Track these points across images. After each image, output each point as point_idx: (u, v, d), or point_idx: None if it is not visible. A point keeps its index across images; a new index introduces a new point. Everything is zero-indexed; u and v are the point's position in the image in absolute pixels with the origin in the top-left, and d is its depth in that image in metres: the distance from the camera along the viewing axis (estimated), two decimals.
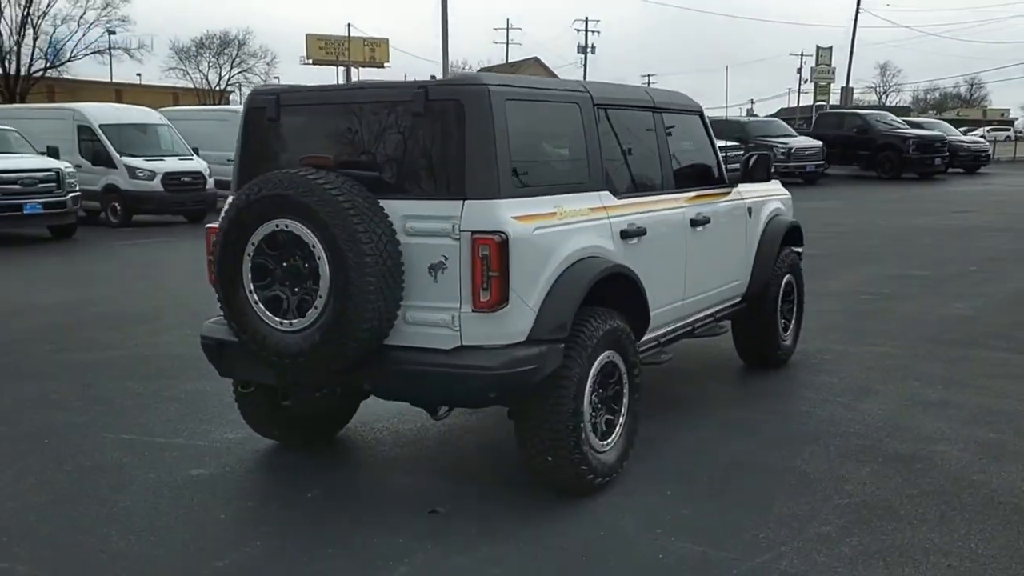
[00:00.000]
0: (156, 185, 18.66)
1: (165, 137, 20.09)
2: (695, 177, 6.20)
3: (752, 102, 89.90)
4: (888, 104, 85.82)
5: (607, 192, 5.02)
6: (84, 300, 10.65)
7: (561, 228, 4.56)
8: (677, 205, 5.65)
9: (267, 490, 5.03)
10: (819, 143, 28.25)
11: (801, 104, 69.73)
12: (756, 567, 3.94)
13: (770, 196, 7.10)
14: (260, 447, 5.46)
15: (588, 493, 4.66)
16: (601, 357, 4.68)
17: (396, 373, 4.38)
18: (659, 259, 5.36)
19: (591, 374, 4.60)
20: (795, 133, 30.30)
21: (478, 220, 4.20)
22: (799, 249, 7.48)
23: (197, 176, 19.14)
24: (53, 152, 17.10)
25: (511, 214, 4.26)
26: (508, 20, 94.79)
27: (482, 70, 74.91)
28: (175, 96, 59.48)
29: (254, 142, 4.91)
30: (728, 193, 6.37)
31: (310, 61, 67.43)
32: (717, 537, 4.22)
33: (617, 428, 4.87)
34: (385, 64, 68.42)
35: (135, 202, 18.76)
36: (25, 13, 47.76)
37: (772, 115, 56.89)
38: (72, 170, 16.56)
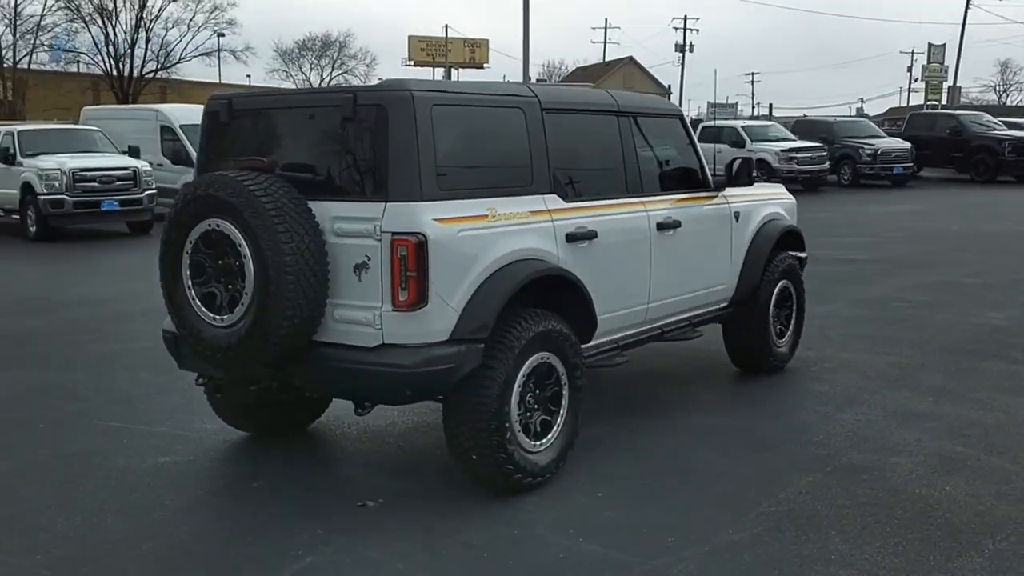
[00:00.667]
0: None
1: None
2: (671, 180, 6.20)
3: (862, 101, 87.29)
4: (1008, 104, 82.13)
5: (554, 195, 5.08)
6: (144, 291, 11.11)
7: (493, 230, 4.64)
8: (640, 209, 5.65)
9: (218, 479, 5.26)
10: (907, 145, 27.29)
11: (912, 103, 67.43)
12: (650, 570, 3.96)
13: (764, 200, 7.01)
14: (231, 438, 5.69)
15: (518, 492, 4.73)
16: (534, 358, 4.74)
17: (322, 369, 4.55)
18: (613, 262, 5.39)
19: (520, 374, 4.67)
20: (882, 134, 29.42)
21: (397, 222, 4.32)
22: (802, 254, 7.37)
23: None
24: (134, 151, 17.88)
25: (432, 216, 4.36)
26: (606, 20, 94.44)
27: (576, 70, 75.01)
28: None
29: (210, 144, 5.13)
30: (709, 197, 6.33)
31: (412, 63, 68.49)
32: (626, 540, 4.25)
33: (554, 429, 4.92)
34: (485, 65, 68.90)
35: None
36: (138, 16, 49.92)
37: (880, 115, 55.31)
38: (148, 168, 17.28)
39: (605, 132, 5.64)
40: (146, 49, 50.56)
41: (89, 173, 16.34)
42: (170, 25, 52.51)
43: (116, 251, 15.72)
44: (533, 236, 4.86)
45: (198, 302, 4.58)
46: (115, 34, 49.38)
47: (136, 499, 4.84)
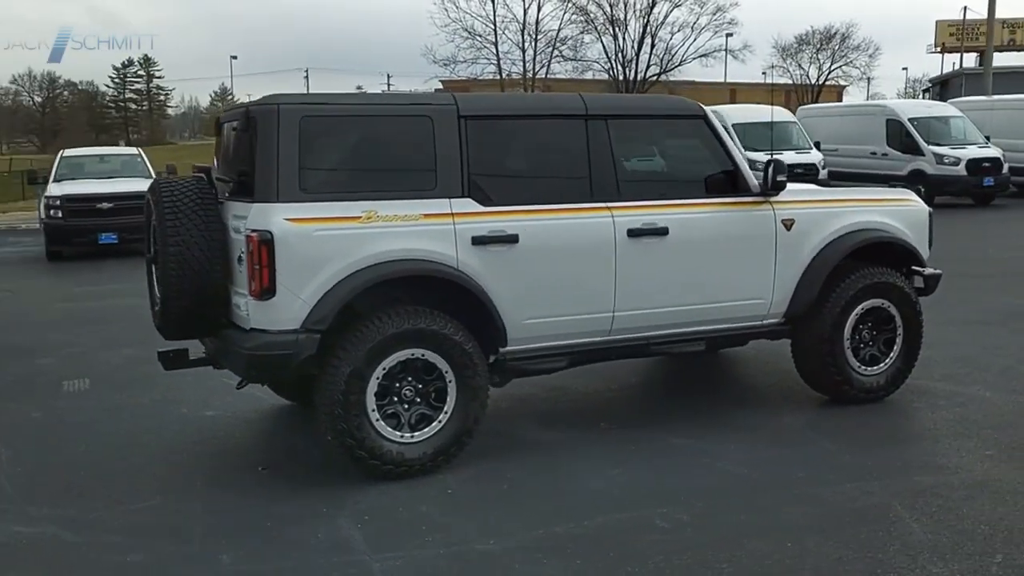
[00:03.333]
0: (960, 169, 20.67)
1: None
2: (678, 185, 5.86)
3: None
4: None
5: (468, 199, 5.20)
6: None
7: (365, 231, 4.96)
8: (602, 215, 5.47)
9: (158, 453, 5.73)
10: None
11: None
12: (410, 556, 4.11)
13: (848, 208, 6.19)
14: (210, 420, 6.28)
15: (387, 478, 5.00)
16: (401, 353, 4.99)
17: (219, 346, 5.27)
18: (546, 267, 5.32)
19: (381, 367, 4.95)
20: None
21: (254, 220, 4.88)
22: (924, 271, 6.36)
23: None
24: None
25: (283, 216, 4.84)
26: None
27: None
28: (786, 94, 60.69)
29: (215, 152, 6.07)
30: (733, 203, 5.82)
31: (938, 49, 63.73)
32: (405, 536, 4.39)
33: (433, 424, 5.09)
34: None
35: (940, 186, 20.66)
36: (645, 24, 52.89)
37: None
38: None
39: (563, 138, 5.54)
40: (650, 54, 53.36)
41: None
42: (675, 29, 54.59)
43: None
44: (422, 238, 5.07)
45: (153, 285, 5.56)
46: (623, 42, 52.85)
47: (87, 466, 5.45)
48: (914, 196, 6.63)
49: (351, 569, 4.05)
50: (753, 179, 5.91)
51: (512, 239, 5.23)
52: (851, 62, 59.89)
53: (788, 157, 21.23)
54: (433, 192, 5.16)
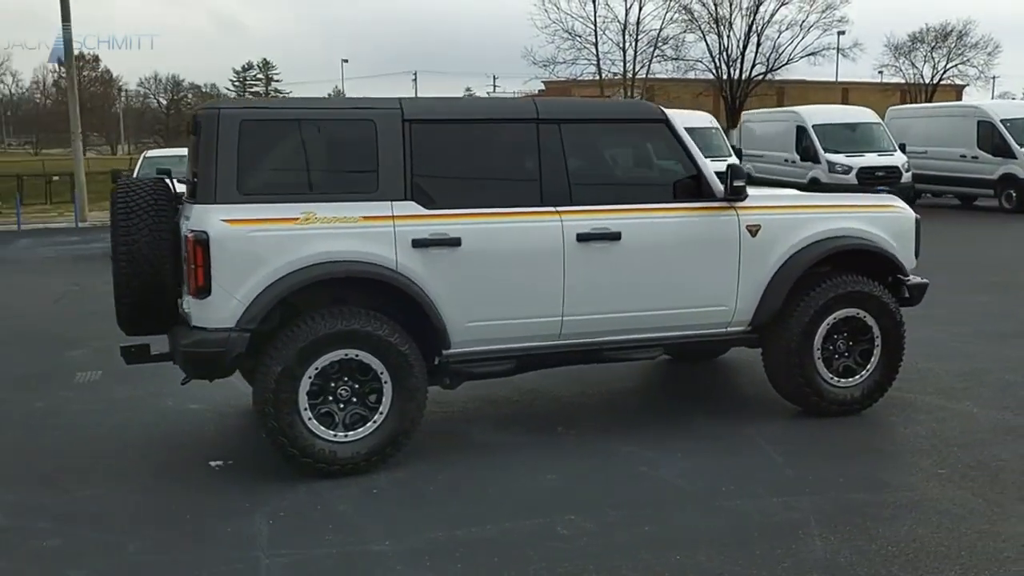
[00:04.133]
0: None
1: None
2: (634, 189, 5.81)
3: None
4: None
5: (411, 202, 5.26)
6: None
7: (301, 232, 5.07)
8: (550, 219, 5.45)
9: (129, 445, 5.96)
10: None
11: None
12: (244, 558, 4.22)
13: (823, 214, 6.01)
14: (190, 414, 6.48)
15: (320, 476, 5.10)
16: (335, 354, 5.08)
17: (168, 342, 5.47)
18: (490, 270, 5.34)
19: (313, 367, 5.05)
20: None
21: (194, 221, 5.05)
22: (915, 280, 6.15)
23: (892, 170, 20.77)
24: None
25: (220, 217, 4.99)
26: None
27: None
28: (901, 94, 58.71)
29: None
30: (692, 208, 5.72)
31: None
32: (298, 535, 4.48)
33: (368, 424, 5.17)
34: None
35: None
36: (751, 22, 51.89)
37: None
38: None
39: (513, 143, 5.55)
40: (756, 53, 52.31)
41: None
42: (783, 28, 53.35)
43: None
44: (360, 240, 5.15)
45: None
46: (728, 40, 51.95)
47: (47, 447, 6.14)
48: (900, 203, 6.38)
49: (239, 564, 4.15)
50: (718, 184, 5.79)
51: (454, 242, 5.27)
52: (968, 60, 57.43)
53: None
54: (374, 195, 5.24)
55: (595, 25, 48.41)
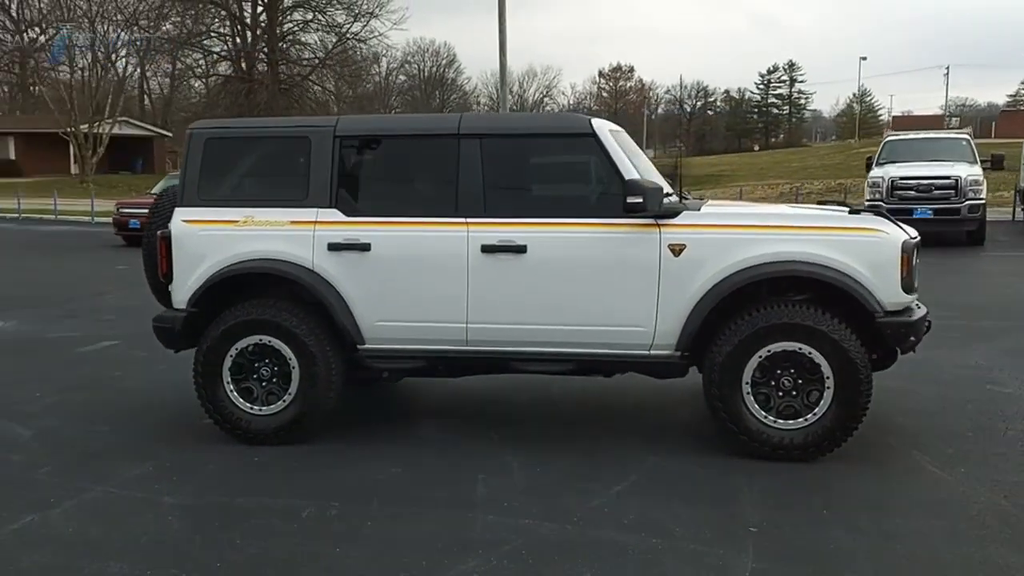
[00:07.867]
0: None
1: None
2: (553, 202, 5.84)
3: None
4: None
5: (334, 210, 5.90)
6: None
7: (239, 232, 5.97)
8: (457, 229, 5.69)
9: (113, 411, 6.93)
10: None
11: None
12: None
13: (768, 235, 5.44)
14: (182, 407, 7.02)
15: (239, 442, 5.95)
16: (252, 338, 5.92)
17: None
18: (396, 274, 5.77)
19: (234, 348, 5.94)
20: None
21: (170, 221, 6.19)
22: (895, 320, 5.34)
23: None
24: (997, 161, 17.45)
25: (183, 218, 6.08)
26: None
27: None
28: None
29: None
30: (607, 224, 5.55)
31: None
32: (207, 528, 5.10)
33: (278, 403, 5.92)
34: None
35: None
36: None
37: None
38: (976, 178, 16.69)
39: (434, 156, 5.88)
40: None
41: (908, 182, 17.27)
42: None
43: None
44: (284, 241, 5.90)
45: None
46: None
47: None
48: (884, 225, 5.45)
49: (69, 501, 5.06)
50: (647, 200, 5.52)
51: (365, 247, 5.79)
52: None
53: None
54: (304, 202, 5.94)
55: None
